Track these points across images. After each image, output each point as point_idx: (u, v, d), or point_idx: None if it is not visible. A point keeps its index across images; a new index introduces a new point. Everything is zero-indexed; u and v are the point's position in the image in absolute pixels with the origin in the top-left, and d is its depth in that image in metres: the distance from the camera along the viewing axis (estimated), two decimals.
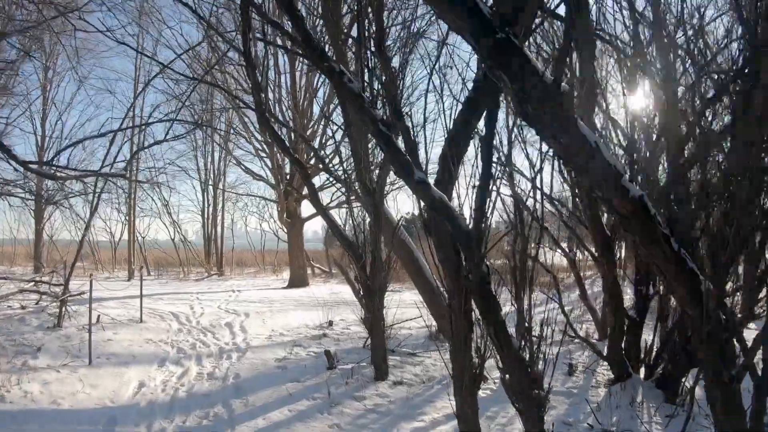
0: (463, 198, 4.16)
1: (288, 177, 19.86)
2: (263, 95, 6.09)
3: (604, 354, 7.89)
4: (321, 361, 7.97)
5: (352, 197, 7.59)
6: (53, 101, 23.78)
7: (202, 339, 9.78)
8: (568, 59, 5.55)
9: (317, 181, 21.89)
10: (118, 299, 15.03)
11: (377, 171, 7.32)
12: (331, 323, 11.05)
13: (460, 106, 4.23)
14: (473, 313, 4.43)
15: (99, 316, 11.07)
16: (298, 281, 20.28)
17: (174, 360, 8.29)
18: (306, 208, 21.23)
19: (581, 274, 11.79)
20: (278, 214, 20.87)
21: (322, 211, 6.81)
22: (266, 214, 27.96)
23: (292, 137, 19.61)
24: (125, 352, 8.60)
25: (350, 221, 7.06)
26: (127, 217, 26.17)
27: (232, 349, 8.98)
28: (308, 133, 19.37)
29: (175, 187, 25.29)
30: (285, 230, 21.37)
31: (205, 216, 28.26)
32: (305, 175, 6.87)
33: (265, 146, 20.02)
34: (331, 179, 18.28)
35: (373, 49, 4.58)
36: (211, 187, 27.67)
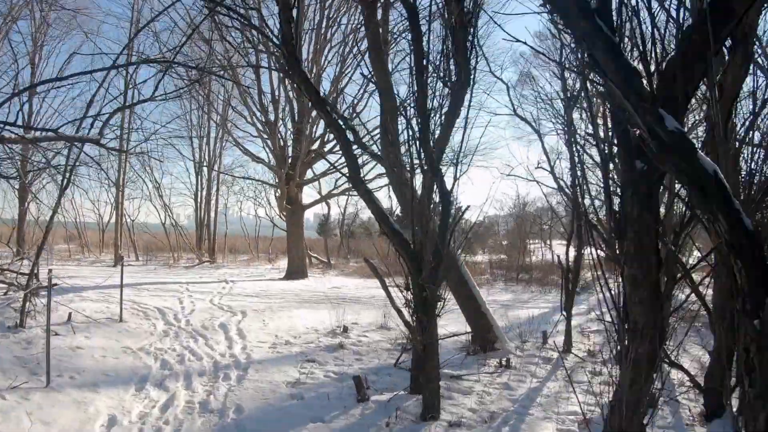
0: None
1: (290, 160, 17.82)
2: (294, 27, 4.12)
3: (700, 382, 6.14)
4: (346, 388, 6.04)
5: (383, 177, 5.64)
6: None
7: (191, 347, 7.79)
8: None
9: (320, 166, 19.95)
10: (100, 289, 12.98)
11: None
12: (345, 329, 9.10)
13: None
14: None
15: (71, 314, 9.03)
16: (296, 272, 18.30)
17: (156, 380, 6.28)
18: (306, 194, 19.27)
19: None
20: (278, 200, 18.80)
21: (368, 196, 4.80)
22: (263, 199, 25.84)
23: (295, 117, 17.61)
24: (96, 368, 6.57)
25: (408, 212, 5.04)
26: (115, 198, 23.95)
27: (229, 364, 6.99)
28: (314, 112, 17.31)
29: (164, 160, 22.95)
30: (283, 217, 19.33)
31: (198, 200, 26.07)
32: (344, 141, 4.82)
33: (266, 127, 17.91)
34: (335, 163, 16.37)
35: None
36: (205, 170, 25.45)
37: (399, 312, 5.82)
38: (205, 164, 24.88)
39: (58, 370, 6.23)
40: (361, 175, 5.23)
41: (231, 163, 32.67)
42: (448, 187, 4.85)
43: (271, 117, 17.66)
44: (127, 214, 25.04)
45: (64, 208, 25.69)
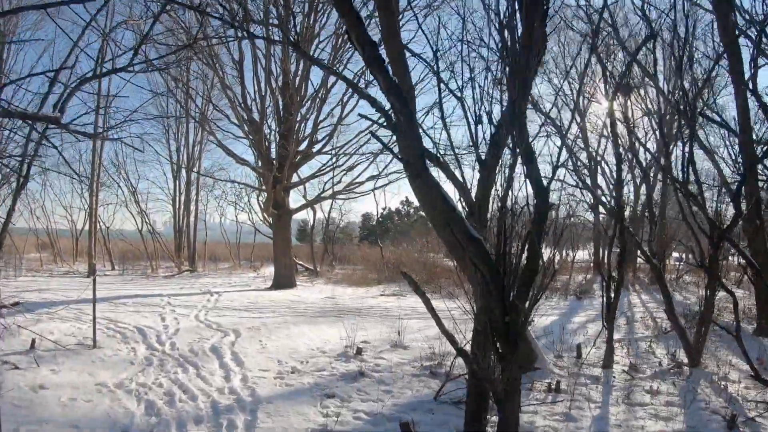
0: None
1: (276, 162, 16.28)
2: None
3: None
4: None
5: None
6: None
7: (181, 380, 6.27)
8: None
9: (306, 169, 18.45)
10: (71, 304, 11.34)
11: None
12: (359, 351, 7.68)
13: None
14: None
15: (35, 340, 7.45)
16: (284, 282, 16.79)
17: None
18: (291, 198, 17.76)
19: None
20: (264, 204, 17.22)
21: (442, 201, 3.41)
22: (245, 204, 24.21)
23: (281, 116, 16.16)
24: (62, 417, 5.00)
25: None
26: (88, 204, 22.04)
27: (232, 405, 5.51)
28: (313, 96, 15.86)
29: (143, 149, 20.97)
30: (267, 223, 17.77)
31: (176, 205, 24.25)
32: (412, 126, 3.42)
33: (251, 128, 16.32)
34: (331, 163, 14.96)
35: None
36: (184, 173, 23.61)
37: (453, 341, 4.48)
38: (183, 166, 23.10)
39: (14, 421, 4.73)
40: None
41: (210, 166, 30.86)
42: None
43: (255, 116, 16.11)
44: (102, 220, 23.17)
45: (35, 215, 23.78)
